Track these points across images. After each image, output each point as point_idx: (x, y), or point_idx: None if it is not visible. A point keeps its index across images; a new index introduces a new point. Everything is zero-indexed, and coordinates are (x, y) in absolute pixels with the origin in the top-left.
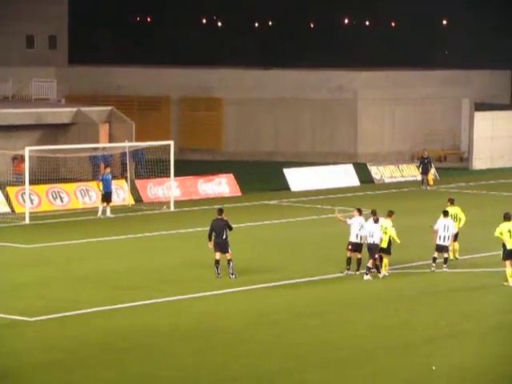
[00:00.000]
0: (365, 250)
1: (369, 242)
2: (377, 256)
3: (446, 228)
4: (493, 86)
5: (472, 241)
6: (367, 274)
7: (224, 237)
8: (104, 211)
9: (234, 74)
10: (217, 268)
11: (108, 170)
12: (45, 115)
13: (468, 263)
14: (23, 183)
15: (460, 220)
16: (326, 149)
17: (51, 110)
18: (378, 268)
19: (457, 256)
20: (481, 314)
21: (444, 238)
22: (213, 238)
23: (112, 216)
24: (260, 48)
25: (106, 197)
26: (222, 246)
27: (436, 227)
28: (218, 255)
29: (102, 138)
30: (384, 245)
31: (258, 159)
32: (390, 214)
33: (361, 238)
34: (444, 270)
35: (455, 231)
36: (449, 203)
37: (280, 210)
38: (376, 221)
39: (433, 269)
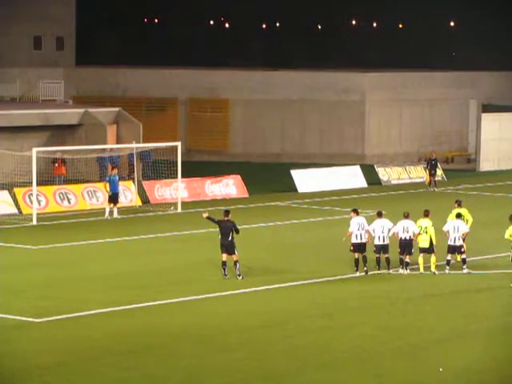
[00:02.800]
0: (369, 248)
1: (404, 237)
2: (387, 255)
3: (456, 229)
4: (500, 88)
5: (479, 242)
6: (407, 269)
7: (230, 238)
8: (111, 212)
9: (241, 75)
10: (224, 269)
11: (115, 171)
12: (52, 116)
13: (475, 265)
14: (62, 183)
15: (467, 221)
16: (334, 150)
17: (59, 111)
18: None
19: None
20: (487, 316)
21: (455, 238)
22: (219, 238)
23: (119, 217)
24: (267, 49)
25: (113, 198)
26: (228, 248)
27: (446, 228)
28: (224, 256)
29: (109, 139)
30: (426, 244)
31: (266, 160)
32: (426, 214)
33: (361, 237)
34: (465, 271)
35: (467, 230)
36: (456, 205)
37: (287, 211)
38: (407, 217)
39: (447, 271)
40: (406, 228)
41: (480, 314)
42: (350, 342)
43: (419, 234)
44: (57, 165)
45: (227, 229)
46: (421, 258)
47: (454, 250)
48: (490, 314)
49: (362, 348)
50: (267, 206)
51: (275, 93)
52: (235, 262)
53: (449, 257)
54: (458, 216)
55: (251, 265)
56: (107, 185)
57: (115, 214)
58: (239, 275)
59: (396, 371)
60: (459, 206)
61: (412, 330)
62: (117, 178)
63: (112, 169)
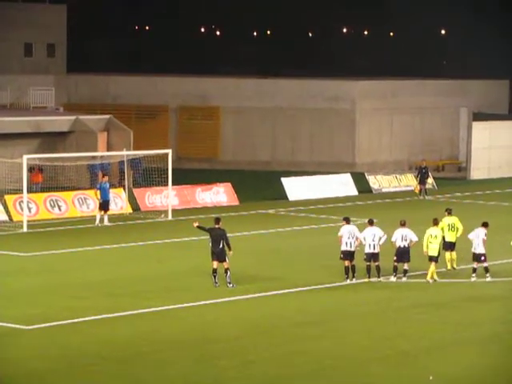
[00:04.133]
0: (359, 257)
1: (403, 245)
2: (377, 263)
3: (478, 236)
4: (491, 96)
5: (469, 251)
6: (405, 277)
7: (221, 246)
8: (102, 219)
9: (231, 82)
10: (214, 277)
11: (106, 178)
12: (43, 123)
13: (466, 273)
14: (43, 191)
15: (457, 230)
16: (324, 158)
17: (49, 119)
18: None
19: (454, 266)
20: (477, 324)
21: (477, 245)
22: (209, 246)
23: (110, 224)
24: (258, 57)
25: (104, 205)
26: (219, 255)
27: (471, 237)
28: (215, 264)
29: (100, 146)
30: (435, 253)
31: (256, 168)
32: (436, 222)
33: (351, 245)
34: (488, 279)
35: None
36: (446, 213)
37: (277, 219)
38: (404, 225)
39: (473, 279)
40: (404, 236)
41: (470, 322)
42: (339, 350)
43: (416, 241)
44: (34, 172)
45: (218, 236)
46: (433, 266)
47: (477, 257)
48: (480, 322)
49: (352, 356)
50: (258, 214)
51: (266, 101)
52: (226, 270)
53: (474, 265)
54: (484, 225)
55: (241, 272)
56: (98, 192)
57: (106, 222)
58: (229, 283)
59: (386, 379)
60: (449, 214)
61: (402, 338)
62: (107, 185)
63: (103, 176)
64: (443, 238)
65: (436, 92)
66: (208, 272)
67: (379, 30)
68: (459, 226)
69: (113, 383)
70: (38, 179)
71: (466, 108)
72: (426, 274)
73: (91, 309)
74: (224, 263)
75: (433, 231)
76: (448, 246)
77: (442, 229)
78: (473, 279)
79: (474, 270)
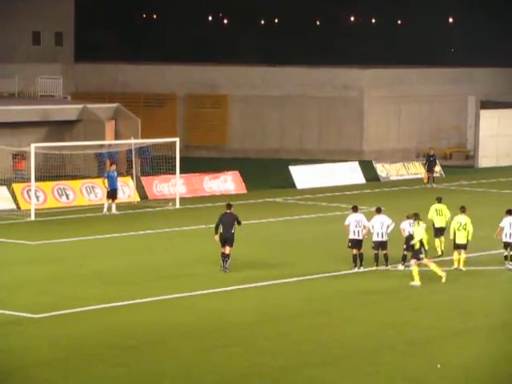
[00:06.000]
0: (367, 245)
1: (411, 231)
2: (385, 251)
3: (511, 225)
4: (499, 84)
5: (476, 239)
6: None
7: (232, 231)
8: (109, 208)
9: (239, 71)
10: (223, 261)
11: (114, 167)
12: (51, 112)
13: (473, 261)
14: (25, 180)
15: (445, 217)
16: (332, 146)
17: (57, 107)
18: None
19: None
20: (484, 313)
21: (510, 234)
22: (219, 231)
23: (118, 213)
24: (266, 45)
25: (112, 194)
26: (229, 240)
27: (502, 224)
28: (224, 249)
29: (107, 134)
30: (464, 241)
31: (264, 156)
32: (463, 210)
33: (359, 234)
34: (508, 266)
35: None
36: (436, 201)
37: (285, 207)
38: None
39: (509, 266)
40: (411, 223)
41: (478, 310)
42: (347, 339)
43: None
44: (17, 159)
45: (230, 222)
46: (456, 254)
47: (508, 245)
48: (487, 310)
49: (359, 345)
50: (265, 202)
51: (274, 89)
52: (227, 255)
53: (506, 252)
54: (509, 212)
55: (249, 261)
56: (106, 181)
57: (113, 210)
58: (227, 268)
59: (393, 368)
60: (439, 202)
61: (409, 326)
62: (115, 174)
63: (110, 165)
64: (433, 224)
65: (444, 80)
66: (216, 260)
67: (387, 17)
68: (446, 213)
69: (119, 372)
70: (22, 166)
71: (473, 96)
72: (503, 263)
73: (99, 297)
74: (229, 248)
75: (461, 219)
76: (438, 232)
77: (433, 216)
78: (510, 266)
79: (506, 258)
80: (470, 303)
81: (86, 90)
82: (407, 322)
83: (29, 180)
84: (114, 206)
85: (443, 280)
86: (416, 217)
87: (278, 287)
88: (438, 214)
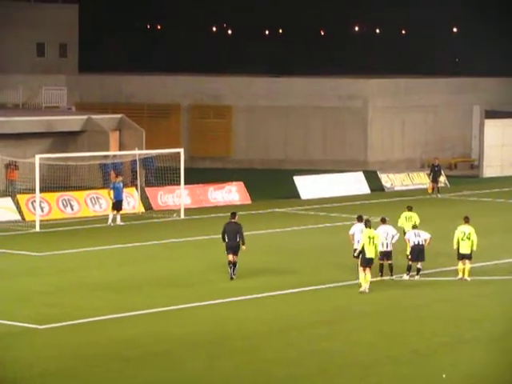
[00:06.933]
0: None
1: (417, 241)
2: (391, 261)
3: None
4: (503, 94)
5: (480, 248)
6: (418, 276)
7: (237, 239)
8: (114, 219)
9: (244, 81)
10: (230, 268)
11: (120, 178)
12: (55, 123)
13: (478, 271)
14: (15, 192)
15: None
16: (337, 156)
17: (61, 118)
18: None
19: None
20: (489, 322)
21: None
22: (226, 240)
23: (122, 224)
24: (270, 56)
25: (117, 205)
26: (234, 249)
27: None
28: (230, 257)
29: (112, 145)
30: (468, 250)
31: (268, 167)
32: (467, 220)
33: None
34: None
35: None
36: (407, 209)
37: (290, 217)
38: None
39: None
40: (417, 233)
41: (482, 319)
42: (351, 349)
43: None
44: (10, 169)
45: (234, 230)
46: (461, 264)
47: None
48: (492, 319)
49: (365, 354)
50: (270, 213)
51: (278, 99)
52: (234, 263)
53: None
54: None
55: (254, 271)
56: (111, 192)
57: (118, 221)
58: (234, 275)
59: (398, 378)
60: (410, 210)
61: (415, 336)
62: (121, 185)
63: (116, 176)
64: (403, 231)
65: (448, 90)
66: (222, 270)
67: (391, 27)
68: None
69: (130, 382)
70: (14, 176)
71: (478, 106)
72: (465, 274)
73: (105, 308)
74: (235, 256)
75: (464, 228)
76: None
77: (403, 223)
78: None
79: None
80: (476, 312)
81: (90, 100)
82: (412, 332)
83: (21, 190)
84: (118, 217)
85: (360, 290)
86: (367, 223)
87: (284, 297)
88: (408, 220)
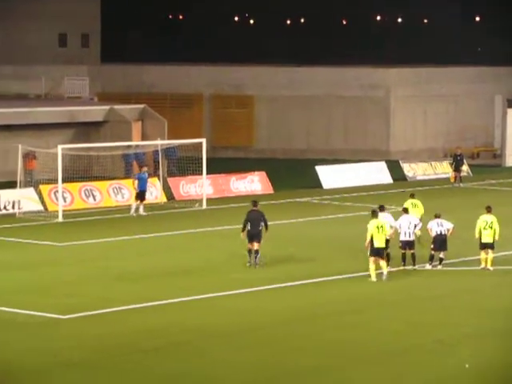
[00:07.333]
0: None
1: (440, 231)
2: (413, 251)
3: None
4: None
5: (504, 238)
6: (441, 265)
7: (260, 227)
8: (137, 209)
9: (265, 71)
10: (250, 256)
11: (145, 169)
12: (77, 113)
13: (501, 260)
14: (32, 182)
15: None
16: (359, 146)
17: (84, 109)
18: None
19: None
20: None
21: None
22: (247, 228)
23: (145, 214)
24: (292, 45)
25: (141, 195)
26: (257, 237)
27: None
28: (251, 245)
29: (134, 135)
30: (490, 239)
31: (291, 156)
32: (489, 210)
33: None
34: None
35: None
36: (486, 211)
37: (312, 207)
38: (439, 217)
39: None
40: (440, 223)
41: (506, 310)
42: (376, 338)
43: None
44: (28, 159)
45: (256, 218)
46: (483, 254)
47: None
48: None
49: (389, 344)
50: (292, 202)
51: (300, 89)
52: (256, 251)
53: None
54: None
55: (276, 261)
56: (135, 182)
57: (141, 211)
58: (257, 264)
59: (422, 368)
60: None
61: (438, 326)
62: (146, 175)
63: (141, 167)
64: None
65: (470, 79)
66: (242, 262)
67: (412, 16)
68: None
69: (150, 373)
70: (33, 166)
71: (500, 95)
72: (488, 263)
73: (127, 298)
74: (258, 244)
75: (487, 217)
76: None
77: (407, 208)
78: None
79: None
80: (500, 302)
81: (112, 91)
82: (436, 321)
83: (39, 181)
84: (141, 207)
85: (372, 279)
86: (374, 213)
87: (307, 287)
88: (414, 206)
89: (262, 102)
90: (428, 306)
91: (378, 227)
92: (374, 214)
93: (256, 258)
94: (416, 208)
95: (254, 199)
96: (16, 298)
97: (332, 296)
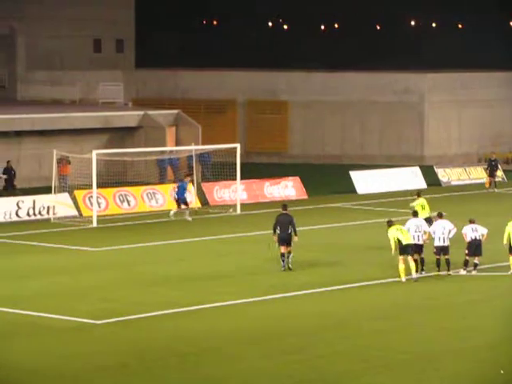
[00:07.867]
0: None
1: (474, 236)
2: (447, 256)
3: None
4: None
5: None
6: (475, 271)
7: (289, 231)
8: (176, 213)
9: (300, 76)
10: (283, 261)
11: (188, 178)
12: (112, 119)
13: None
14: (67, 187)
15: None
16: (393, 151)
17: (118, 114)
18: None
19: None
20: None
21: None
22: (277, 232)
23: (190, 219)
24: (326, 50)
25: (178, 202)
26: (286, 240)
27: None
28: (283, 249)
29: (168, 141)
30: None
31: (325, 162)
32: None
33: (419, 238)
34: None
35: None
36: (416, 196)
37: (346, 212)
38: (473, 222)
39: None
40: (474, 228)
41: None
42: (409, 344)
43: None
44: (62, 164)
45: (286, 222)
46: None
47: None
48: None
49: (423, 350)
50: (326, 208)
51: (334, 94)
52: (289, 253)
53: None
54: None
55: (309, 266)
56: (175, 188)
57: (187, 216)
58: (290, 266)
59: (456, 373)
60: (418, 196)
61: (473, 332)
62: (185, 184)
63: (187, 175)
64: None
65: (505, 84)
66: (276, 268)
67: (447, 21)
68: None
69: (183, 378)
70: (66, 171)
71: None
72: (509, 267)
73: (161, 303)
74: (289, 247)
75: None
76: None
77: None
78: None
79: None
80: None
81: (146, 96)
82: (471, 327)
83: (73, 186)
84: (187, 212)
85: (402, 280)
86: (389, 222)
87: (339, 293)
88: (423, 208)
89: (296, 107)
90: (463, 312)
91: (397, 229)
92: (390, 224)
93: (289, 257)
94: (423, 210)
95: (284, 203)
96: (51, 303)
97: (363, 301)
